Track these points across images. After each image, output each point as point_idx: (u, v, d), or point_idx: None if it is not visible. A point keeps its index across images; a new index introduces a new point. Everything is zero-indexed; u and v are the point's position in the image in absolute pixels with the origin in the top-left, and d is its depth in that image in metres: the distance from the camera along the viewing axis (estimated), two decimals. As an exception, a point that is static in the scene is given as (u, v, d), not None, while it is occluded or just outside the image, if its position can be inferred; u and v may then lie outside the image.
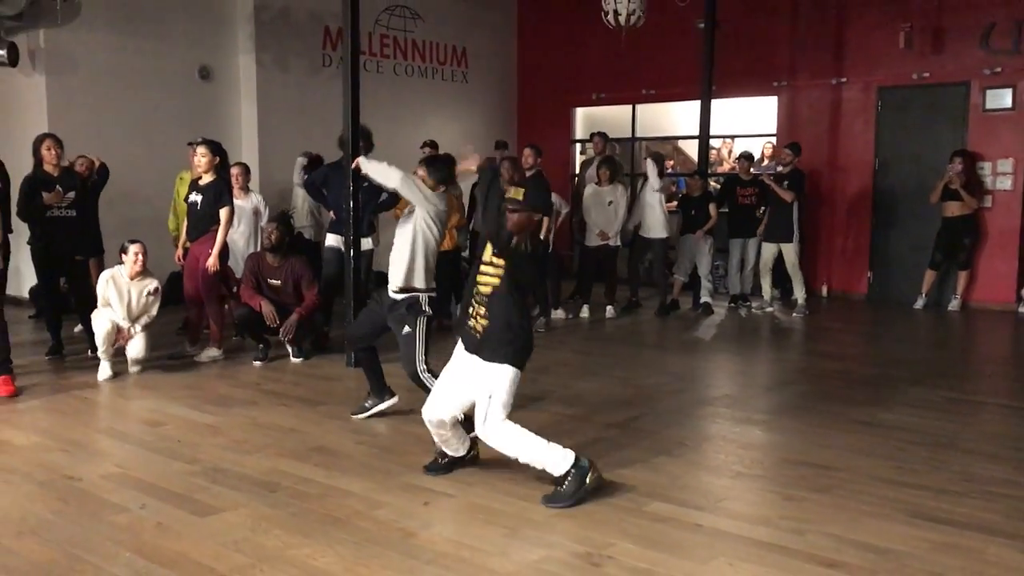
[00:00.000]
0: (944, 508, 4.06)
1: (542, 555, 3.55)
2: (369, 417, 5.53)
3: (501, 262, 4.14)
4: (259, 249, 7.78)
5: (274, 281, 7.17)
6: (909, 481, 4.42)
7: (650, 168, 9.75)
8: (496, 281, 4.15)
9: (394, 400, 5.58)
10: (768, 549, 3.61)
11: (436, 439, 4.46)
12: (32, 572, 3.39)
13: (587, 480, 4.09)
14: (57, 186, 7.03)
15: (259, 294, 7.09)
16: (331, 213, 8.09)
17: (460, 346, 4.35)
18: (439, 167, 5.35)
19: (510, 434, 4.15)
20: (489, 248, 4.22)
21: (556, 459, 4.11)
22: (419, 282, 5.13)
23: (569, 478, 4.08)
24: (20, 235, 7.40)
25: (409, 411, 5.48)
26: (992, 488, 4.34)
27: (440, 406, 4.34)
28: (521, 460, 4.18)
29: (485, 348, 4.17)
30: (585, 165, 10.96)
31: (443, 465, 4.51)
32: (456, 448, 4.49)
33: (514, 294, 4.15)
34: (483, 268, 4.22)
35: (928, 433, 5.29)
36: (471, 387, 4.24)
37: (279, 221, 7.34)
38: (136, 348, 6.66)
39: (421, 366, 5.11)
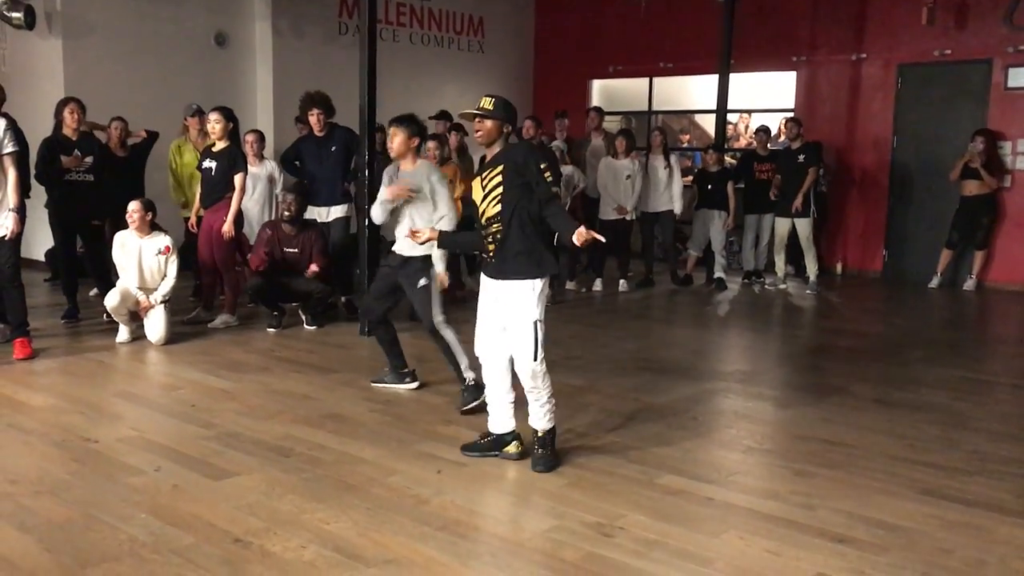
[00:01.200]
0: (954, 486, 4.06)
1: (553, 524, 3.58)
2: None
3: (496, 174, 4.07)
4: (274, 218, 7.79)
5: (291, 250, 7.19)
6: (920, 459, 4.43)
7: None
8: (500, 193, 4.07)
9: (414, 386, 5.50)
10: (778, 523, 3.62)
11: (490, 388, 4.35)
12: (49, 530, 3.44)
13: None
14: (76, 150, 7.07)
15: (267, 257, 7.12)
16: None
17: (483, 279, 4.28)
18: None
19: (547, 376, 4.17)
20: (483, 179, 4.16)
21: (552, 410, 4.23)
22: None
23: (553, 441, 4.25)
24: (37, 198, 7.43)
25: (423, 381, 5.54)
26: (1003, 467, 4.34)
27: (484, 341, 4.29)
28: (541, 402, 4.18)
29: (502, 267, 4.11)
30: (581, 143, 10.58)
31: (483, 445, 4.35)
32: (504, 414, 4.32)
33: (524, 202, 4.05)
34: (486, 192, 4.13)
35: (940, 411, 5.29)
36: (502, 316, 4.19)
37: (296, 192, 7.33)
38: (156, 333, 6.56)
39: (439, 317, 5.11)
